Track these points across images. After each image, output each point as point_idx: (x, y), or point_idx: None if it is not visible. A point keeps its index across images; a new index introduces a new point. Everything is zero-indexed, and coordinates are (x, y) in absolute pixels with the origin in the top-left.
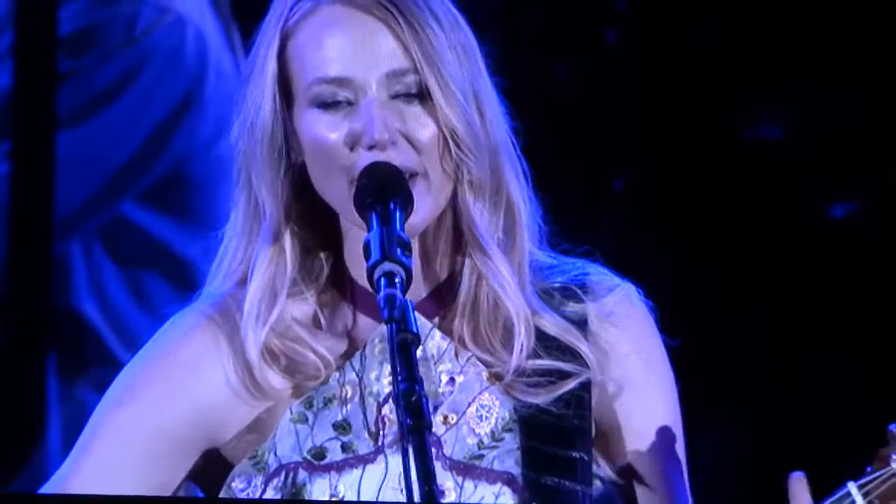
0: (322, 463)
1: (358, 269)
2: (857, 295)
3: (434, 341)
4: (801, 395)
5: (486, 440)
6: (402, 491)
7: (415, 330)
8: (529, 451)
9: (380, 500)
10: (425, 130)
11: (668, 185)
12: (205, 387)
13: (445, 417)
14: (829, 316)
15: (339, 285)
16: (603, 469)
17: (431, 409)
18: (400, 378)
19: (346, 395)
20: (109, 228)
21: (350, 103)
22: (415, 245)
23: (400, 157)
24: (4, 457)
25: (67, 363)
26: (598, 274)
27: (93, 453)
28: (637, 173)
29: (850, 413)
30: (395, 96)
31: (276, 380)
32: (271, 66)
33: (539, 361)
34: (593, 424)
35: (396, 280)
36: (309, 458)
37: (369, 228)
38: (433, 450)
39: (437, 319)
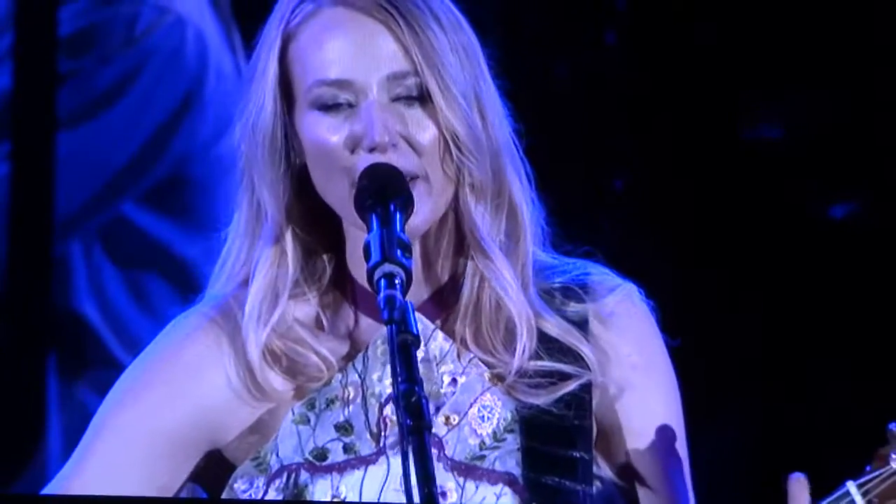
0: (324, 464)
1: (360, 271)
2: (857, 295)
3: (436, 342)
4: (801, 395)
5: (487, 441)
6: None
7: (415, 331)
8: (530, 452)
9: (381, 501)
10: (426, 133)
11: (668, 185)
12: (206, 388)
13: (447, 418)
14: (828, 316)
15: (342, 287)
16: (604, 469)
17: (433, 410)
18: (400, 379)
19: (349, 396)
20: (109, 229)
21: (351, 106)
22: (416, 247)
23: (400, 159)
24: (4, 458)
25: (67, 364)
26: (600, 274)
27: (95, 455)
28: (637, 173)
29: (850, 413)
30: (396, 99)
31: (277, 381)
32: (272, 68)
33: (540, 363)
34: (594, 425)
35: (396, 281)
36: (311, 458)
37: (369, 230)
38: (435, 450)
39: (438, 321)
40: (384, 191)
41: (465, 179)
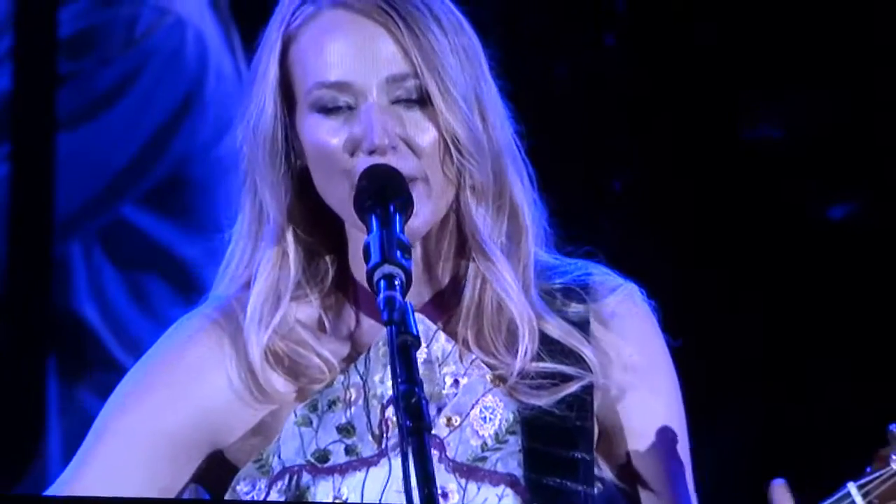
0: (325, 466)
1: (362, 272)
2: (857, 295)
3: (439, 343)
4: (801, 395)
5: (489, 442)
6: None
7: (415, 332)
8: (532, 453)
9: (383, 502)
10: (426, 135)
11: (668, 185)
12: (208, 390)
13: (449, 419)
14: (829, 317)
15: (344, 288)
16: (605, 471)
17: (435, 412)
18: (400, 380)
19: (351, 397)
20: (109, 230)
21: (350, 108)
22: (417, 249)
23: (400, 162)
24: (4, 459)
25: (67, 365)
26: (601, 274)
27: (96, 458)
28: (637, 173)
29: (850, 413)
30: (396, 101)
31: (279, 383)
32: (273, 71)
33: (542, 364)
34: (596, 426)
35: (396, 282)
36: (312, 460)
37: (369, 231)
38: (436, 452)
39: (440, 323)
40: (384, 192)
41: (465, 181)
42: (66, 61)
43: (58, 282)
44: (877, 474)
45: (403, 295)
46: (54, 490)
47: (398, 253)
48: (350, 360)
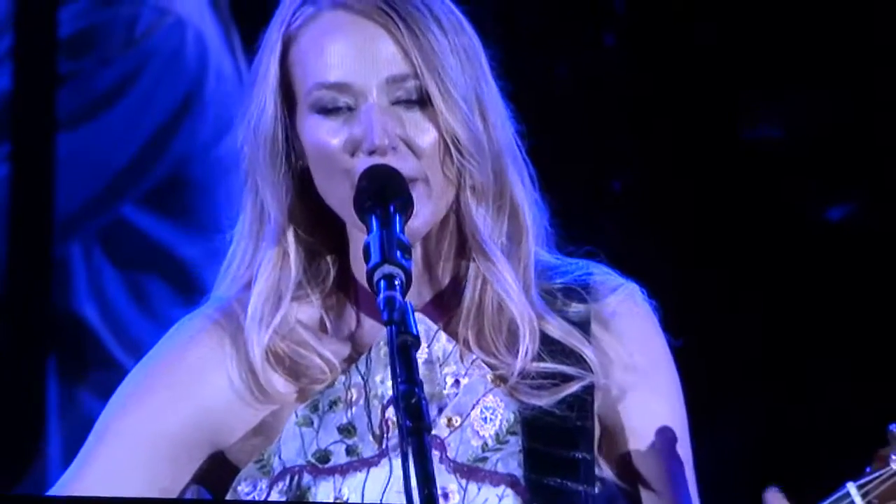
0: (326, 466)
1: (363, 273)
2: (856, 296)
3: (440, 343)
4: (801, 395)
5: (490, 442)
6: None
7: (415, 332)
8: (533, 453)
9: (384, 503)
10: (426, 136)
11: (668, 185)
12: (209, 391)
13: (449, 420)
14: (828, 317)
15: (345, 289)
16: (606, 471)
17: (436, 412)
18: (399, 380)
19: (352, 398)
20: (109, 231)
21: (350, 109)
22: (418, 249)
23: (400, 162)
24: (4, 460)
25: (67, 366)
26: (602, 274)
27: (98, 459)
28: (637, 174)
29: (849, 413)
30: (396, 102)
31: (280, 383)
32: (273, 71)
33: (543, 364)
34: (597, 426)
35: (396, 282)
36: (313, 461)
37: (369, 231)
38: (437, 452)
39: (441, 323)
40: (383, 192)
41: (466, 182)
42: (66, 61)
43: (58, 282)
44: (876, 474)
45: (403, 295)
46: (55, 491)
47: (398, 253)
48: (351, 360)
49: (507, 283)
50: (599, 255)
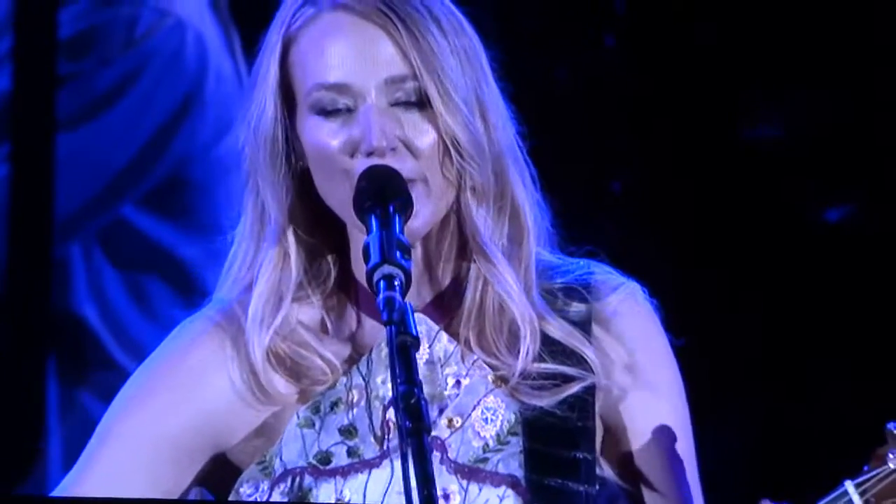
0: (327, 468)
1: (364, 274)
2: (856, 296)
3: (441, 344)
4: (800, 394)
5: (491, 443)
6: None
7: (414, 332)
8: (533, 454)
9: None
10: (425, 138)
11: (668, 185)
12: (211, 392)
13: (450, 421)
14: (828, 317)
15: (346, 289)
16: (608, 471)
17: (437, 413)
18: (399, 381)
19: (353, 399)
20: (109, 232)
21: (350, 110)
22: (418, 250)
23: (399, 163)
24: (4, 461)
25: (67, 367)
26: (603, 273)
27: (99, 461)
28: (637, 174)
29: (848, 413)
30: (395, 103)
31: (281, 384)
32: (273, 72)
33: (544, 365)
34: (598, 426)
35: (396, 283)
36: (314, 462)
37: (368, 231)
38: (438, 453)
39: (442, 324)
40: (383, 192)
41: (466, 183)
42: (66, 62)
43: (58, 282)
44: (874, 473)
45: (403, 295)
46: (58, 493)
47: (398, 253)
48: (352, 361)
49: (507, 285)
50: (600, 255)
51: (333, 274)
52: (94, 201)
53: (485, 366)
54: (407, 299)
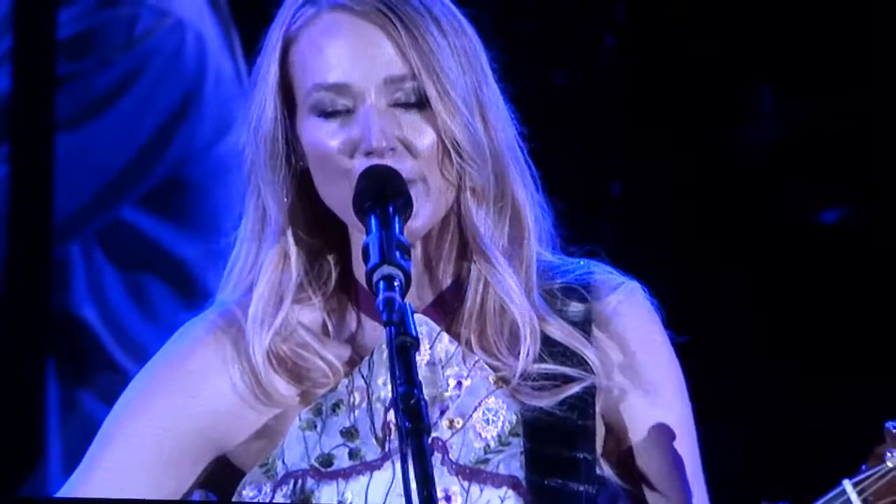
0: (329, 470)
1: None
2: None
3: (442, 345)
4: (799, 394)
5: (492, 444)
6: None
7: (414, 333)
8: (534, 454)
9: None
10: (424, 138)
11: (668, 186)
12: (213, 394)
13: (451, 422)
14: (827, 316)
15: (347, 291)
16: (608, 470)
17: (438, 414)
18: (399, 381)
19: (355, 401)
20: (109, 232)
21: (349, 110)
22: (418, 250)
23: (398, 163)
24: (4, 462)
25: (67, 367)
26: (603, 273)
27: (102, 463)
28: (636, 175)
29: (846, 412)
30: (395, 104)
31: (282, 385)
32: (273, 73)
33: (545, 366)
34: (600, 426)
35: (395, 283)
36: (316, 465)
37: (368, 232)
38: (439, 454)
39: (443, 325)
40: (382, 192)
41: (466, 184)
42: (66, 62)
43: (57, 283)
44: (872, 471)
45: (403, 296)
46: (62, 494)
47: (397, 254)
48: (353, 363)
49: (508, 286)
50: (600, 255)
51: (334, 275)
52: (93, 201)
53: (486, 367)
54: (408, 300)
